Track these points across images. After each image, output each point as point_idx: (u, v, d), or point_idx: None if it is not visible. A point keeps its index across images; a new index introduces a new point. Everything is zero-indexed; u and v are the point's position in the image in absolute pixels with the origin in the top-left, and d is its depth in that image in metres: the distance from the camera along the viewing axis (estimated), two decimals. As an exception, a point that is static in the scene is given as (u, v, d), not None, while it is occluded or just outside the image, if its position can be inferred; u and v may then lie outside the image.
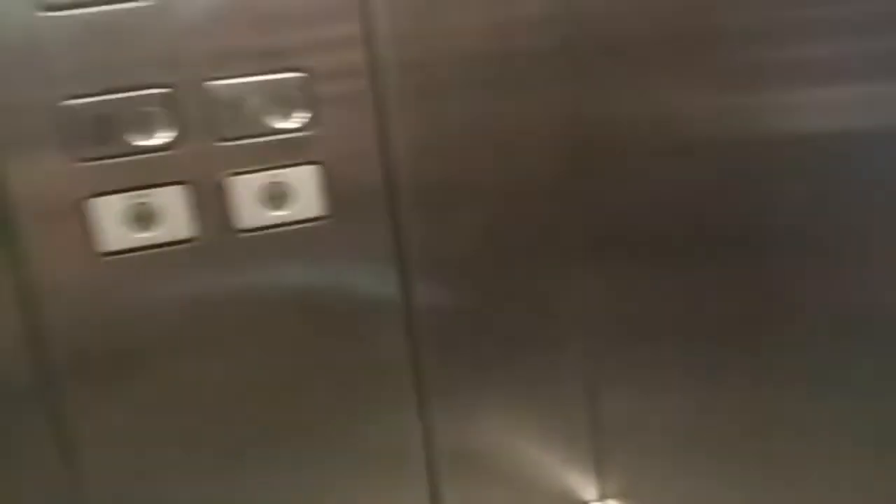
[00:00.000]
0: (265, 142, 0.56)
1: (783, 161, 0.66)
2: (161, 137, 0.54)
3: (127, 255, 0.55)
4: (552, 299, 0.67)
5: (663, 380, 0.70)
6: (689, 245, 0.67)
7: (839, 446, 0.72)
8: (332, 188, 0.58)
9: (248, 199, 0.56)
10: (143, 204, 0.54)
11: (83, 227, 0.54)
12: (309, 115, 0.56)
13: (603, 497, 0.71)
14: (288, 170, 0.56)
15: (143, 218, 0.54)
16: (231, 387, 0.60)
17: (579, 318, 0.67)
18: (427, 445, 0.66)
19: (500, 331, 0.66)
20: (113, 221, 0.54)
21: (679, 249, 0.67)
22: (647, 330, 0.68)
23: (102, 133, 0.53)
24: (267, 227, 0.57)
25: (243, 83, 0.54)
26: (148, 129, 0.54)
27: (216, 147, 0.55)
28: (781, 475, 0.72)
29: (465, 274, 0.64)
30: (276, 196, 0.56)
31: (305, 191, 0.57)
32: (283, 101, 0.55)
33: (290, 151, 0.56)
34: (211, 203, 0.56)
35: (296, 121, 0.56)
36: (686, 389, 0.70)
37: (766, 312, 0.69)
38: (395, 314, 0.62)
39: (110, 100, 0.53)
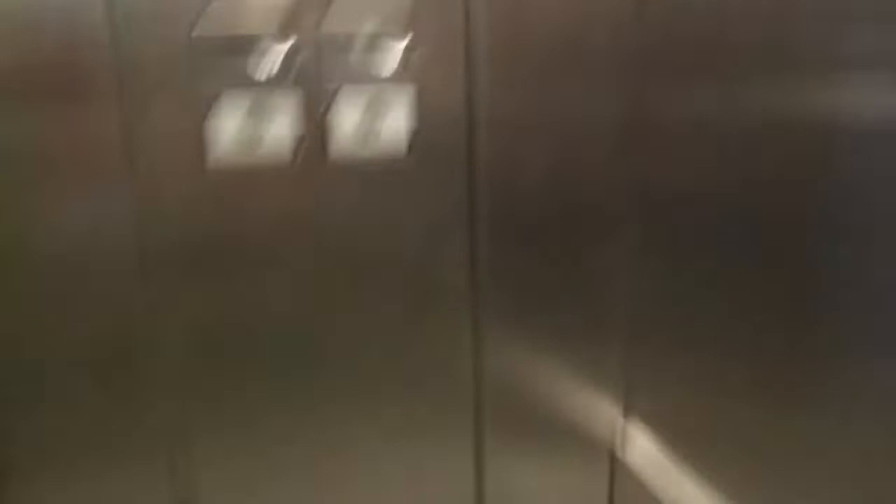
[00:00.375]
0: (364, 86, 0.63)
1: (845, 154, 0.69)
2: (276, 72, 0.61)
3: (233, 173, 0.63)
4: (601, 260, 0.73)
5: (694, 340, 0.76)
6: (735, 232, 0.72)
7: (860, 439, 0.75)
8: (418, 134, 0.65)
9: (343, 135, 0.63)
10: (252, 129, 0.62)
11: (198, 146, 0.62)
12: (405, 68, 0.63)
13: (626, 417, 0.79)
14: (381, 113, 0.63)
15: (252, 142, 0.62)
16: (308, 295, 0.68)
17: (623, 282, 0.74)
18: (476, 372, 0.74)
19: (551, 280, 0.74)
20: (224, 142, 0.62)
21: (726, 235, 0.72)
22: (684, 300, 0.74)
23: (225, 65, 0.61)
24: (357, 161, 0.65)
25: (352, 34, 0.61)
26: (266, 64, 0.61)
27: (322, 85, 0.62)
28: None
29: (527, 222, 0.71)
30: (368, 135, 0.64)
31: (394, 133, 0.64)
32: (385, 54, 0.62)
33: (385, 97, 0.63)
34: (312, 134, 0.63)
35: (393, 72, 0.63)
36: (715, 346, 0.76)
37: (810, 302, 0.73)
38: (461, 247, 0.70)
39: (235, 36, 0.60)
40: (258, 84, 0.61)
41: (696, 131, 0.69)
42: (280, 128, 0.63)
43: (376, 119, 0.64)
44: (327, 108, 0.63)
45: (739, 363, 0.74)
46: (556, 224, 0.72)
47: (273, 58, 0.61)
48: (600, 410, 0.78)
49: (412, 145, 0.65)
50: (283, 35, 0.61)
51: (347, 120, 0.63)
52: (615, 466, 0.79)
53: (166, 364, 0.68)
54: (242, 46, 0.61)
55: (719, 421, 0.75)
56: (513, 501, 0.79)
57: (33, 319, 0.65)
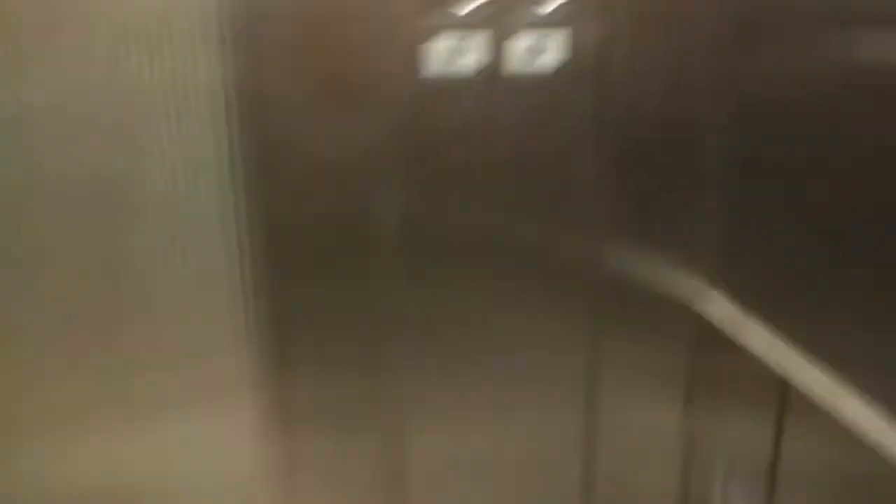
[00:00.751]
0: (539, 12, 0.86)
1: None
2: (477, 3, 0.84)
3: (441, 78, 0.86)
4: (699, 167, 0.96)
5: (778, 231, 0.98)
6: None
7: None
8: (573, 50, 0.88)
9: (521, 51, 0.86)
10: (457, 44, 0.85)
11: (414, 58, 0.85)
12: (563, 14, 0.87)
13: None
14: (549, 32, 0.86)
15: (456, 54, 0.85)
16: (496, 173, 0.92)
17: (716, 185, 0.96)
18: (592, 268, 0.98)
19: (653, 184, 0.97)
20: (435, 55, 0.85)
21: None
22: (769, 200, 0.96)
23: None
24: (528, 72, 0.88)
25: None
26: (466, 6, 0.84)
27: (509, 11, 0.85)
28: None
29: (644, 136, 0.95)
30: (538, 50, 0.87)
31: (556, 48, 0.87)
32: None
33: (552, 20, 0.86)
34: (499, 50, 0.86)
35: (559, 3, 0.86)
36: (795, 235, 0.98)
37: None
38: (590, 148, 0.93)
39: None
40: (460, 18, 0.84)
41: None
42: (479, 43, 0.86)
43: (546, 37, 0.87)
44: (512, 29, 0.86)
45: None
46: (668, 139, 0.95)
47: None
48: (690, 281, 1.01)
49: (568, 58, 0.89)
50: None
51: (525, 38, 0.86)
52: (701, 324, 1.03)
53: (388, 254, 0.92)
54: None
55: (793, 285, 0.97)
56: (617, 349, 1.03)
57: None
